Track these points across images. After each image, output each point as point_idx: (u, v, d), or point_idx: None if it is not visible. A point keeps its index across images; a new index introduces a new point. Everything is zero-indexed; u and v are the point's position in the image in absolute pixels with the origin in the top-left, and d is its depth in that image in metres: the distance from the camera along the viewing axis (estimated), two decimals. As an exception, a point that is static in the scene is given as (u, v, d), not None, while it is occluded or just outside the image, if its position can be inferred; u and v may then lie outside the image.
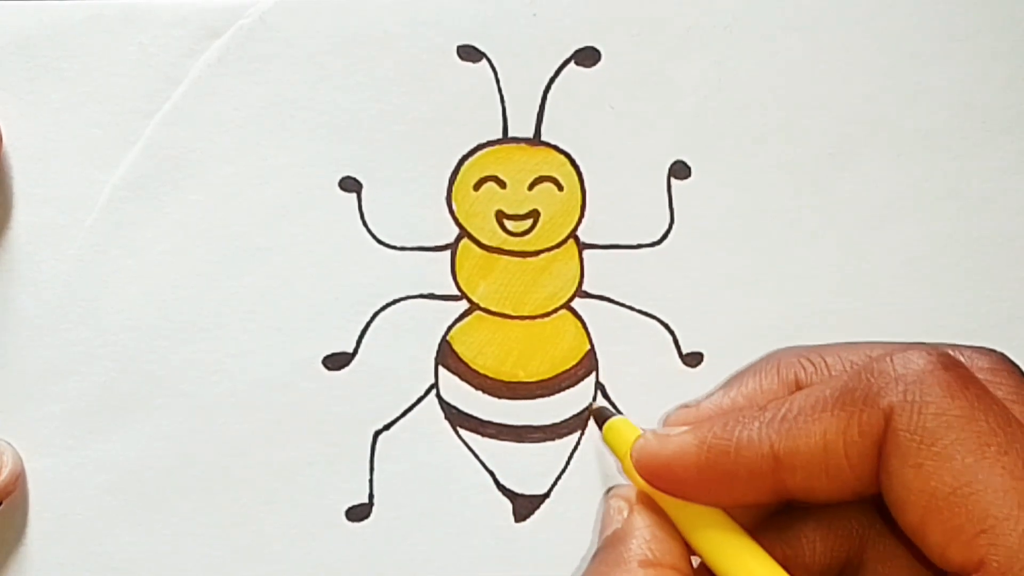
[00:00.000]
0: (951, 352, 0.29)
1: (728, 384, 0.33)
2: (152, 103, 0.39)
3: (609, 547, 0.31)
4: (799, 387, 0.32)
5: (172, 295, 0.39)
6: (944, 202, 0.40)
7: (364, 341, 0.39)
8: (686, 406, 0.34)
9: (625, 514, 0.32)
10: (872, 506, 0.31)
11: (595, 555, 0.31)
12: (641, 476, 0.31)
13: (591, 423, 0.39)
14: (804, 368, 0.32)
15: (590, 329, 0.39)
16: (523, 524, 0.39)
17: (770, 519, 0.32)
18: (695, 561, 0.31)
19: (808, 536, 0.31)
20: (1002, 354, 0.31)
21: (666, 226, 0.40)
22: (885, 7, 0.40)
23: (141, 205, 0.39)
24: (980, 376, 0.29)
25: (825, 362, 0.32)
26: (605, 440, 0.35)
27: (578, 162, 0.40)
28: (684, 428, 0.31)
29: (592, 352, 0.39)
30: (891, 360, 0.28)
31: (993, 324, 0.39)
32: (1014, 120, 0.40)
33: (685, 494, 0.31)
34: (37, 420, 0.38)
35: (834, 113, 0.40)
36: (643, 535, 0.31)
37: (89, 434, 0.38)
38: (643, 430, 0.32)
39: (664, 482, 0.31)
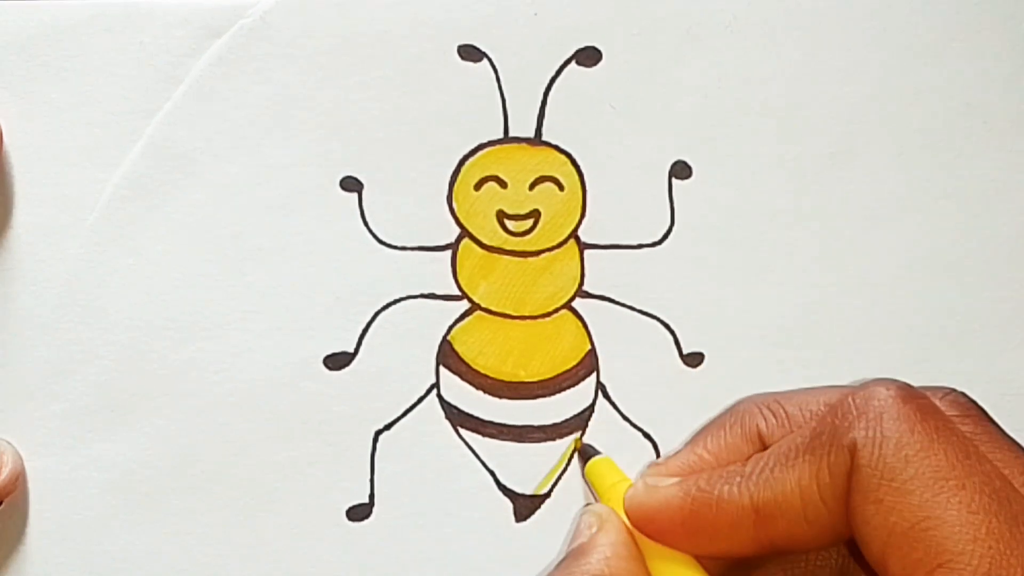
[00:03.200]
0: (915, 388, 0.30)
1: (693, 440, 0.35)
2: (153, 103, 0.39)
3: (571, 558, 0.32)
4: (761, 438, 0.33)
5: (172, 295, 0.39)
6: (944, 202, 0.40)
7: (365, 341, 0.39)
8: (655, 463, 0.35)
9: (593, 530, 0.33)
10: (847, 547, 0.31)
11: (557, 564, 0.33)
12: (631, 522, 0.33)
13: (592, 423, 0.39)
14: (765, 419, 0.33)
15: (591, 329, 0.39)
16: (523, 524, 0.39)
17: (746, 565, 0.33)
18: None
19: None
20: (965, 394, 0.31)
21: (667, 226, 0.40)
22: (885, 7, 0.40)
23: (142, 205, 0.39)
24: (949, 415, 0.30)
25: (785, 411, 0.33)
26: (586, 476, 0.37)
27: (579, 162, 0.40)
28: (673, 480, 0.32)
29: (593, 352, 0.39)
30: (852, 398, 0.29)
31: (993, 324, 0.39)
32: (1014, 120, 0.40)
33: (670, 542, 0.32)
34: (37, 420, 0.38)
35: (834, 113, 0.40)
36: (603, 552, 0.32)
37: (89, 434, 0.38)
38: (635, 478, 0.34)
39: (651, 529, 0.32)
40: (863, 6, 0.40)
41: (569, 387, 0.39)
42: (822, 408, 0.31)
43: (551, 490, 0.39)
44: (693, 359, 0.39)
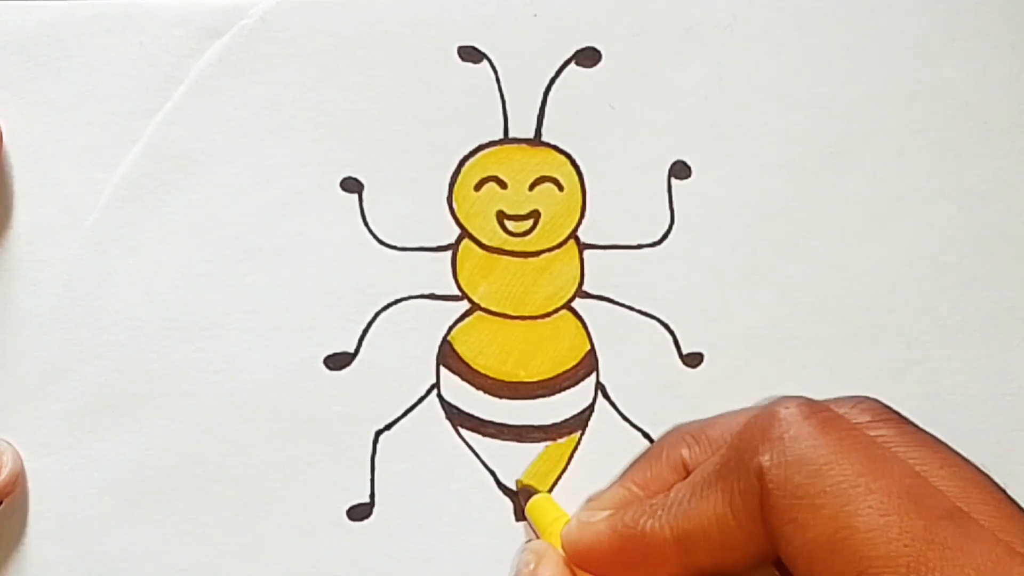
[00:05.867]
0: (817, 402, 0.30)
1: (625, 473, 0.36)
2: (153, 103, 0.39)
3: None
4: (686, 467, 0.34)
5: (172, 295, 0.39)
6: (944, 202, 0.40)
7: (365, 341, 0.39)
8: (592, 498, 0.37)
9: (532, 567, 0.35)
10: (777, 567, 0.32)
11: None
12: (567, 556, 0.34)
13: (591, 423, 0.39)
14: (690, 447, 0.34)
15: (590, 329, 0.39)
16: (523, 524, 0.39)
17: None
18: None
19: None
20: (878, 400, 0.32)
21: (666, 226, 0.40)
22: (885, 7, 0.40)
23: (141, 205, 0.39)
24: (859, 423, 0.30)
25: (708, 437, 0.34)
26: (527, 513, 0.38)
27: (578, 162, 0.40)
28: (605, 514, 0.34)
29: (592, 352, 0.39)
30: (755, 421, 0.30)
31: (993, 324, 0.40)
32: (1014, 120, 0.40)
33: (603, 574, 0.33)
34: (37, 420, 0.38)
35: (834, 113, 0.40)
36: None
37: (89, 434, 0.38)
38: (572, 514, 0.36)
39: (585, 563, 0.34)
40: (863, 6, 0.40)
41: (569, 387, 0.39)
42: (733, 435, 0.32)
43: (550, 490, 0.39)
44: (692, 359, 0.39)
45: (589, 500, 0.37)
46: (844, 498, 0.27)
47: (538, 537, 0.37)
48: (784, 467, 0.29)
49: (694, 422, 0.36)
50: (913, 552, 0.26)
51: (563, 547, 0.35)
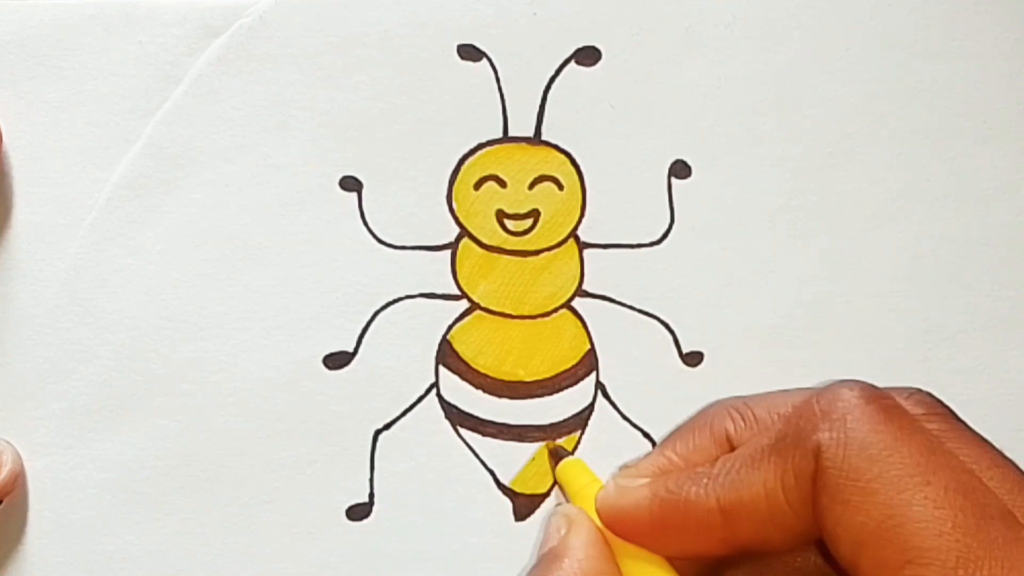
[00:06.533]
0: (879, 388, 0.30)
1: (663, 443, 0.35)
2: (152, 102, 0.39)
3: (544, 564, 0.33)
4: (730, 441, 0.33)
5: (172, 294, 0.39)
6: (944, 202, 0.40)
7: (364, 340, 0.39)
8: (626, 465, 0.35)
9: (563, 532, 0.33)
10: (817, 548, 0.31)
11: (531, 570, 0.33)
12: (602, 522, 0.33)
13: (591, 423, 0.39)
14: (734, 422, 0.33)
15: (590, 329, 0.39)
16: (523, 524, 0.39)
17: (721, 567, 0.33)
18: None
19: None
20: (931, 394, 0.32)
21: (666, 225, 0.40)
22: (885, 7, 0.40)
23: (141, 204, 0.39)
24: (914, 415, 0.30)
25: (754, 414, 0.33)
26: (557, 477, 0.37)
27: (578, 161, 0.40)
28: (643, 480, 0.33)
29: (592, 352, 0.39)
30: (816, 400, 0.30)
31: (993, 324, 0.39)
32: (1014, 120, 0.40)
33: (640, 542, 0.32)
34: (37, 420, 0.38)
35: (834, 113, 0.40)
36: (577, 555, 0.32)
37: (89, 434, 0.38)
38: (604, 480, 0.35)
39: (622, 529, 0.33)
40: (863, 6, 0.40)
41: (568, 386, 0.39)
42: (789, 411, 0.31)
43: (550, 489, 0.39)
44: (692, 358, 0.39)
45: (624, 467, 0.35)
46: (900, 486, 0.27)
47: (568, 501, 0.36)
48: (843, 447, 0.28)
49: (737, 398, 0.35)
50: (963, 548, 0.26)
51: (598, 511, 0.33)
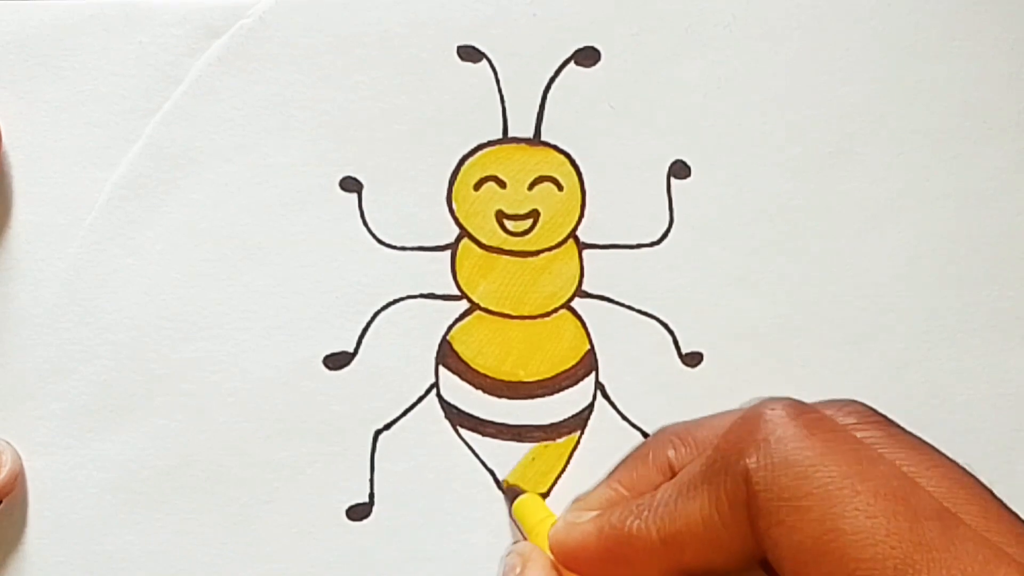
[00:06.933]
0: (804, 403, 0.30)
1: (611, 474, 0.36)
2: (152, 102, 0.39)
3: None
4: (672, 468, 0.34)
5: (172, 294, 0.39)
6: (944, 201, 0.40)
7: (364, 341, 0.39)
8: (578, 499, 0.37)
9: (518, 571, 0.35)
10: (765, 569, 0.32)
11: None
12: (555, 558, 0.34)
13: (591, 423, 0.39)
14: (676, 448, 0.34)
15: (590, 329, 0.39)
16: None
17: None
18: None
19: None
20: (866, 405, 0.32)
21: (666, 226, 0.40)
22: (885, 7, 0.40)
23: (141, 204, 0.39)
24: (845, 425, 0.30)
25: (694, 438, 0.34)
26: (513, 514, 0.38)
27: (578, 162, 0.40)
28: (592, 514, 0.34)
29: (592, 352, 0.39)
30: (741, 423, 0.30)
31: (993, 324, 0.39)
32: (1014, 120, 0.40)
33: (590, 575, 0.33)
34: (37, 420, 0.38)
35: (834, 112, 0.40)
36: None
37: (89, 433, 0.38)
38: (559, 515, 0.36)
39: (573, 565, 0.34)
40: (863, 6, 0.40)
41: (568, 387, 0.39)
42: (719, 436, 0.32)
43: (549, 489, 0.39)
44: (692, 359, 0.39)
45: (575, 501, 0.37)
46: (831, 500, 0.27)
47: (525, 538, 0.37)
48: (770, 469, 0.28)
49: (681, 423, 0.36)
50: (900, 554, 0.26)
51: (550, 548, 0.34)
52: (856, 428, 0.30)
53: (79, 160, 0.39)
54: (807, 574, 0.27)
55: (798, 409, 0.30)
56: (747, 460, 0.29)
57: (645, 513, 0.32)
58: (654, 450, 0.35)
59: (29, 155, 0.39)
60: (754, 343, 0.39)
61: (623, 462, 0.36)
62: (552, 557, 0.34)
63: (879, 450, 0.29)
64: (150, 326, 0.39)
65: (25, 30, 0.39)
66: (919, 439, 0.31)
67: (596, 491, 0.36)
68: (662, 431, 0.36)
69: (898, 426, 0.31)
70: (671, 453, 0.34)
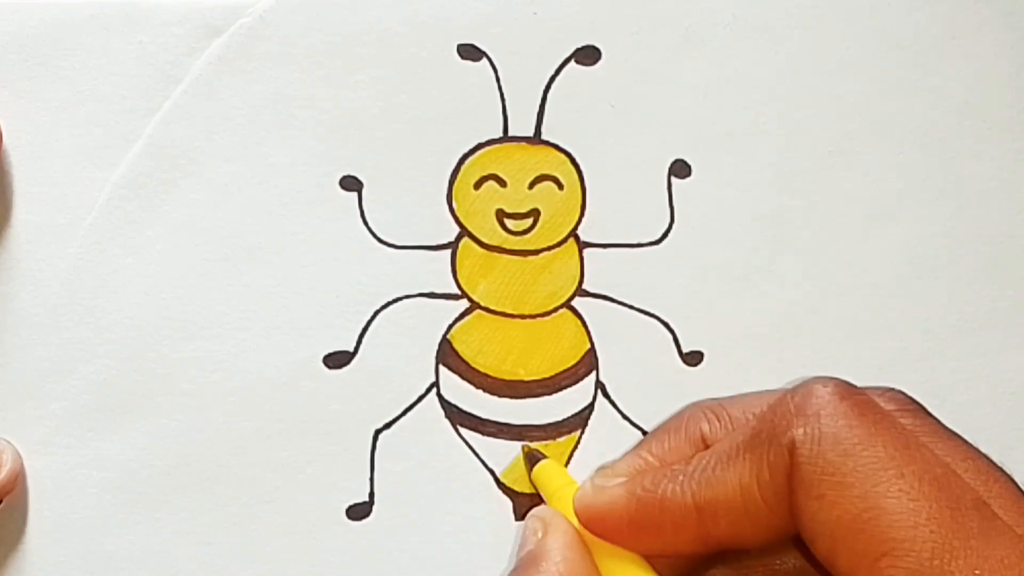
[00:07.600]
0: (853, 385, 0.30)
1: (639, 445, 0.35)
2: (152, 102, 0.39)
3: (523, 567, 0.33)
4: (705, 441, 0.33)
5: (172, 294, 0.39)
6: (944, 201, 0.40)
7: (364, 340, 0.39)
8: (603, 467, 0.35)
9: (540, 535, 0.34)
10: (796, 546, 0.32)
11: (510, 574, 0.33)
12: (580, 522, 0.33)
13: (591, 422, 0.39)
14: (709, 422, 0.34)
15: (590, 328, 0.39)
16: (523, 523, 0.39)
17: (700, 567, 0.33)
18: None
19: None
20: (904, 392, 0.32)
21: (666, 225, 0.40)
22: (885, 7, 0.40)
23: (141, 204, 0.39)
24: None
25: (728, 414, 0.34)
26: (533, 480, 0.37)
27: (578, 161, 0.40)
28: (620, 480, 0.33)
29: (592, 351, 0.39)
30: (791, 397, 0.30)
31: (993, 323, 0.40)
32: (1014, 120, 0.40)
33: (618, 541, 0.33)
34: (37, 419, 0.38)
35: (834, 112, 0.40)
36: (555, 557, 0.33)
37: (89, 433, 0.38)
38: (581, 481, 0.35)
39: (599, 529, 0.33)
40: (863, 6, 0.40)
41: (569, 386, 0.39)
42: (764, 409, 0.31)
43: (551, 489, 0.39)
44: (692, 358, 0.39)
45: (601, 468, 0.36)
46: (874, 479, 0.27)
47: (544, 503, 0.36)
48: (817, 442, 0.28)
49: (714, 399, 0.35)
50: (939, 539, 0.26)
51: (576, 511, 0.33)
52: (897, 414, 0.30)
53: (79, 160, 0.39)
54: (841, 549, 0.27)
55: (848, 390, 0.30)
56: (794, 431, 0.29)
57: (680, 478, 0.31)
58: (688, 422, 0.34)
59: (29, 155, 0.39)
60: (754, 342, 0.39)
61: (653, 433, 0.36)
62: (576, 524, 0.34)
63: (919, 438, 0.29)
64: (150, 326, 0.39)
65: (25, 30, 0.39)
66: (954, 432, 0.31)
67: (624, 459, 0.35)
68: (696, 405, 0.35)
69: (934, 416, 0.31)
70: (705, 427, 0.34)
